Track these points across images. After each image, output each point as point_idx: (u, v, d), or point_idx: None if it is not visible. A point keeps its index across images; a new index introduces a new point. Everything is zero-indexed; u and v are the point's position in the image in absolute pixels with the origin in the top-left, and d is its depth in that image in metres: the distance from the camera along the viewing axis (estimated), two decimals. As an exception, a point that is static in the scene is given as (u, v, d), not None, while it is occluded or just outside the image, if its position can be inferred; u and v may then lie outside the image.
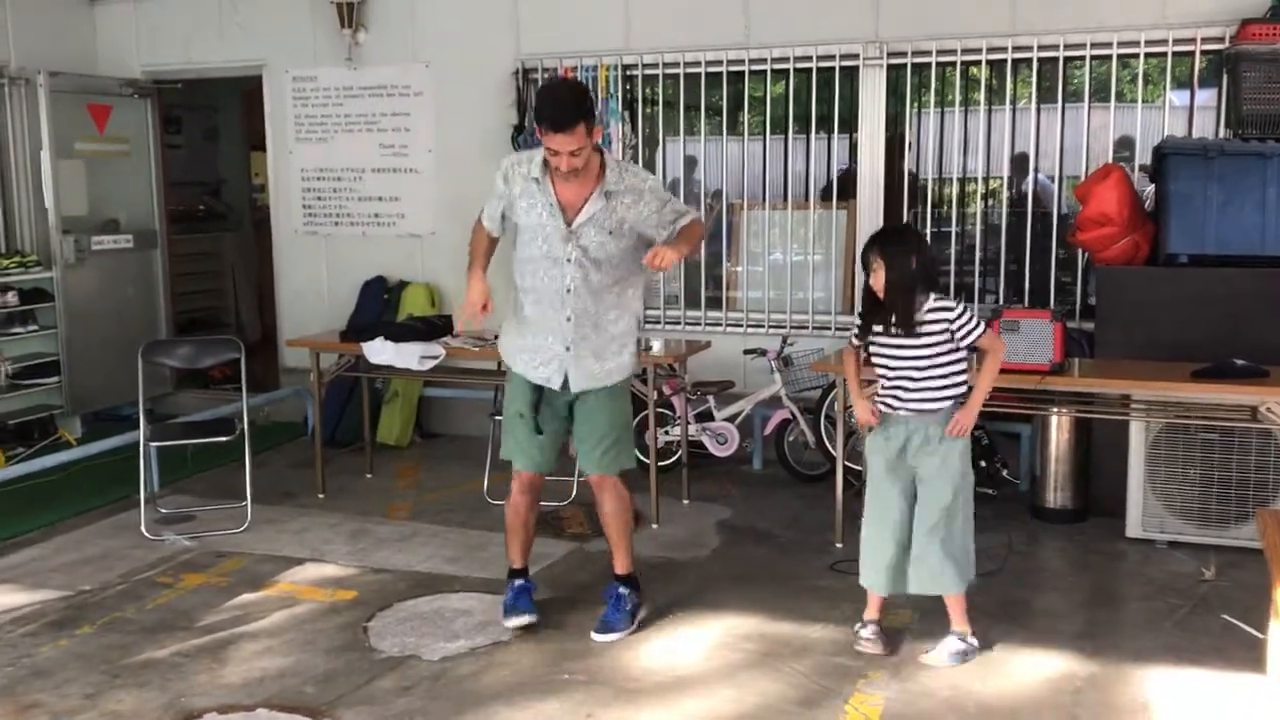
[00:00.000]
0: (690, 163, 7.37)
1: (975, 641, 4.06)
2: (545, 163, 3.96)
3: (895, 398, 4.00)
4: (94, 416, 7.66)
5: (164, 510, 5.83)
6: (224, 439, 5.68)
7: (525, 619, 4.30)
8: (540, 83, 6.77)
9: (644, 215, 4.04)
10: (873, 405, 4.08)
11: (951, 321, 3.92)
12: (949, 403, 3.98)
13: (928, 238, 6.67)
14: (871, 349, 4.07)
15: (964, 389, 4.01)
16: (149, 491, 5.70)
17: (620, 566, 4.40)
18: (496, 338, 4.52)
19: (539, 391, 4.18)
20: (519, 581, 4.43)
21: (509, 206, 4.11)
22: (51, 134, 7.31)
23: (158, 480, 5.99)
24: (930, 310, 3.92)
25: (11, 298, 7.21)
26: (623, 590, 4.36)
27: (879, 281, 3.92)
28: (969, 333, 3.93)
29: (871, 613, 4.15)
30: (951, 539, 3.99)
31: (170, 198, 8.54)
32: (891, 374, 4.01)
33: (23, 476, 6.09)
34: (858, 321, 4.12)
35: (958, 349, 3.95)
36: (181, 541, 5.41)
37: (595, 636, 4.26)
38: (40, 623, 4.49)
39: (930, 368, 3.95)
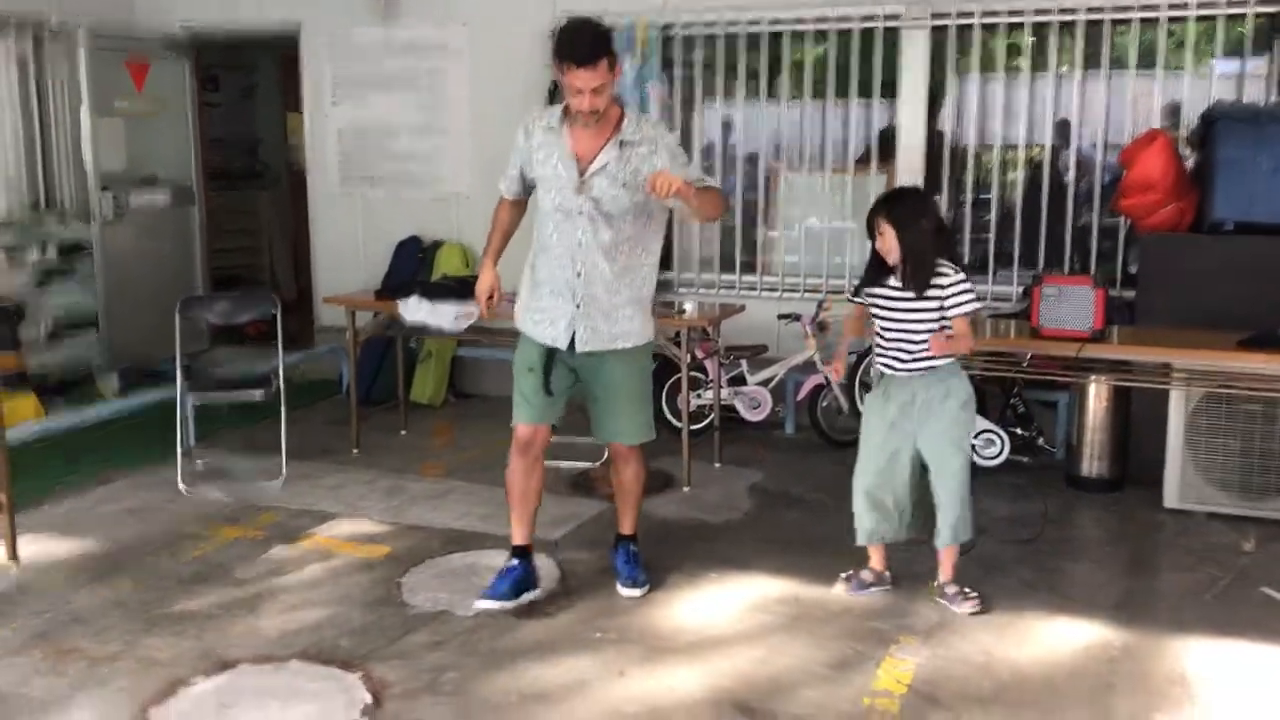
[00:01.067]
0: (727, 126, 7.30)
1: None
2: (564, 113, 3.93)
3: (897, 359, 4.04)
4: (131, 371, 7.71)
5: (200, 465, 5.89)
6: (260, 395, 5.71)
7: (492, 604, 4.12)
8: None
9: (658, 168, 3.87)
10: (837, 365, 4.29)
11: (945, 287, 3.94)
12: (948, 361, 4.02)
13: (968, 204, 6.60)
14: (872, 311, 4.09)
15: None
16: (185, 446, 5.75)
17: (628, 528, 4.41)
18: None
19: (550, 353, 4.08)
20: (514, 562, 4.24)
21: (527, 161, 4.05)
22: (91, 91, 7.35)
23: (194, 435, 6.04)
24: (935, 273, 3.95)
25: (51, 253, 7.28)
26: (633, 547, 4.39)
27: (885, 245, 3.94)
28: (957, 304, 3.94)
29: (877, 564, 4.30)
30: (962, 490, 4.08)
31: (207, 156, 8.57)
32: (892, 334, 4.03)
33: (62, 430, 6.15)
34: (855, 282, 4.15)
35: (944, 315, 3.97)
36: (218, 496, 5.46)
37: (627, 592, 4.28)
38: (79, 572, 4.55)
39: (925, 330, 3.97)
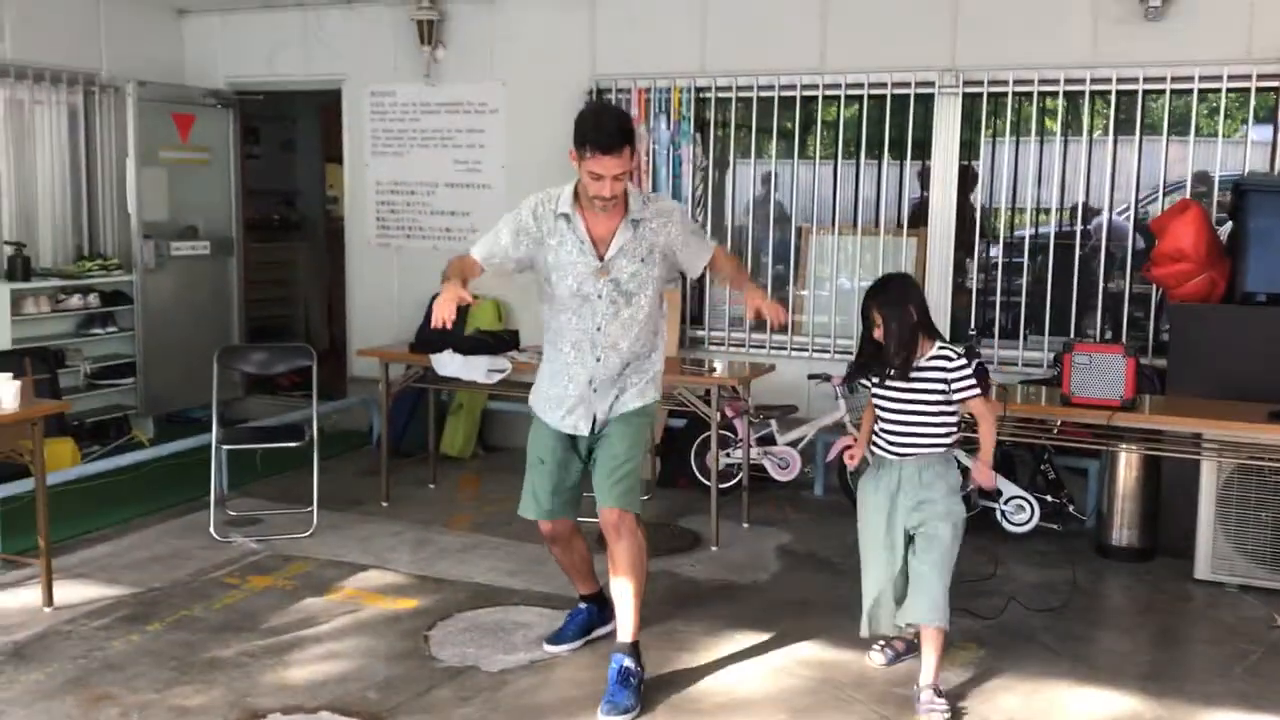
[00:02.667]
0: (759, 185, 7.39)
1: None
2: (575, 197, 3.93)
3: (888, 441, 3.98)
4: (166, 418, 7.84)
5: (233, 513, 5.95)
6: (293, 445, 5.78)
7: (556, 649, 4.33)
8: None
9: (674, 236, 3.97)
10: (849, 451, 4.18)
11: (948, 372, 3.89)
12: (939, 449, 3.94)
13: (999, 269, 6.63)
14: (873, 394, 4.05)
15: (953, 437, 3.97)
16: (219, 493, 5.82)
17: (627, 633, 3.99)
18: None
19: (566, 440, 4.08)
20: (580, 606, 4.45)
21: (536, 245, 3.97)
22: (137, 141, 7.53)
23: (227, 483, 6.11)
24: (930, 358, 3.90)
25: (92, 299, 7.44)
26: (628, 663, 3.92)
27: (881, 334, 3.92)
28: (963, 389, 3.88)
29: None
30: (944, 575, 3.94)
31: (247, 206, 8.73)
32: (885, 418, 3.98)
33: (97, 475, 6.25)
34: (849, 369, 4.10)
35: (950, 401, 3.90)
36: (249, 544, 5.52)
37: (604, 719, 3.84)
38: (112, 617, 4.60)
39: (923, 414, 3.91)
